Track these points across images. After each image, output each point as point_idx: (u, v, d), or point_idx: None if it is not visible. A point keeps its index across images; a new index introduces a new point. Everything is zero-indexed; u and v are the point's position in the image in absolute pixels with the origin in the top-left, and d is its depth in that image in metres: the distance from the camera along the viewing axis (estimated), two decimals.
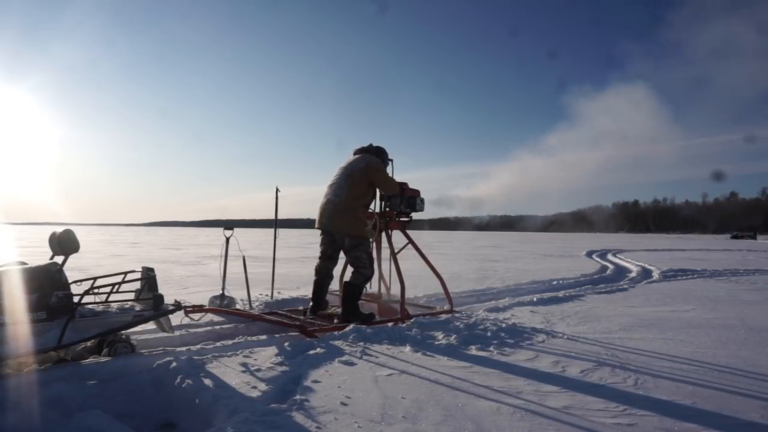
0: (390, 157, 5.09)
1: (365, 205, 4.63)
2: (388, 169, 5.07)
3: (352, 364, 3.09)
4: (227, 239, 5.23)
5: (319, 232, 4.76)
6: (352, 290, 4.48)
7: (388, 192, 4.79)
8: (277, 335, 3.99)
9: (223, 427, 2.14)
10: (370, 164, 4.56)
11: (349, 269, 4.71)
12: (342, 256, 4.75)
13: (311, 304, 4.77)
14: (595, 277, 9.52)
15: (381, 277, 5.60)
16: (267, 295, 5.68)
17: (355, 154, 4.84)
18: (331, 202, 4.52)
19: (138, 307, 3.26)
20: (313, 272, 4.82)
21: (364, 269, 4.48)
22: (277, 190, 5.62)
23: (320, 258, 4.78)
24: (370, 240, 5.11)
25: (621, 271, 10.85)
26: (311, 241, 24.67)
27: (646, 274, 10.15)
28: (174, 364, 2.91)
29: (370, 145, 4.87)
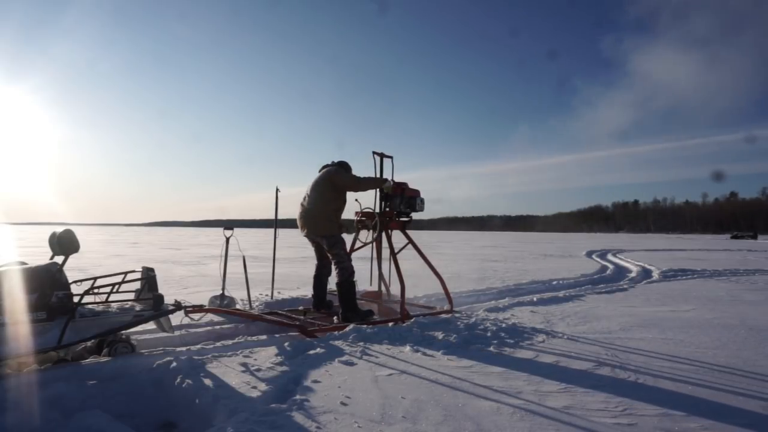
0: (389, 154, 5.23)
1: (335, 209, 4.82)
2: (388, 169, 5.18)
3: (352, 364, 3.09)
4: (227, 239, 5.23)
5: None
6: (344, 287, 4.61)
7: (351, 188, 4.87)
8: (277, 335, 3.99)
9: (223, 427, 2.14)
10: (329, 171, 4.84)
11: None
12: None
13: (313, 301, 5.00)
14: (595, 277, 9.52)
15: (381, 277, 5.61)
16: (267, 295, 5.68)
17: (320, 171, 5.02)
18: (304, 209, 4.83)
19: (138, 307, 3.26)
20: (313, 272, 5.05)
21: (343, 263, 4.66)
22: (277, 190, 5.62)
23: (318, 259, 5.09)
24: (370, 240, 5.14)
25: (621, 271, 10.86)
26: None
27: (646, 274, 10.15)
28: (174, 364, 2.91)
29: (332, 162, 5.07)
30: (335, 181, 4.75)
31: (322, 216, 4.71)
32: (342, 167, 4.97)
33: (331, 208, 4.77)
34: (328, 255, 4.80)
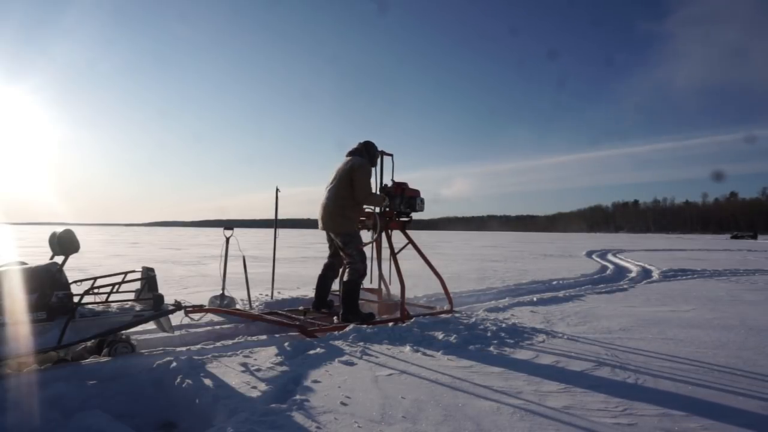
0: (390, 152, 5.21)
1: (353, 205, 4.66)
2: (388, 167, 5.19)
3: (352, 364, 3.09)
4: (227, 239, 5.23)
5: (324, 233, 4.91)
6: (350, 288, 4.56)
7: (358, 195, 4.62)
8: (277, 335, 3.99)
9: (223, 427, 2.14)
10: (354, 164, 4.66)
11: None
12: None
13: (314, 301, 4.94)
14: (595, 277, 9.52)
15: (381, 277, 5.61)
16: (267, 295, 5.67)
17: (347, 156, 4.89)
18: (324, 204, 4.70)
19: (138, 307, 3.26)
20: (313, 272, 4.93)
21: (354, 264, 4.57)
22: (277, 190, 5.62)
23: (329, 257, 4.99)
24: (370, 240, 5.13)
25: (621, 271, 10.86)
26: (311, 241, 24.68)
27: (646, 274, 10.15)
28: (174, 364, 2.90)
29: (359, 144, 4.92)
30: (354, 178, 4.59)
31: (337, 212, 4.58)
32: (368, 151, 4.84)
33: (349, 203, 4.63)
34: (342, 254, 4.69)
